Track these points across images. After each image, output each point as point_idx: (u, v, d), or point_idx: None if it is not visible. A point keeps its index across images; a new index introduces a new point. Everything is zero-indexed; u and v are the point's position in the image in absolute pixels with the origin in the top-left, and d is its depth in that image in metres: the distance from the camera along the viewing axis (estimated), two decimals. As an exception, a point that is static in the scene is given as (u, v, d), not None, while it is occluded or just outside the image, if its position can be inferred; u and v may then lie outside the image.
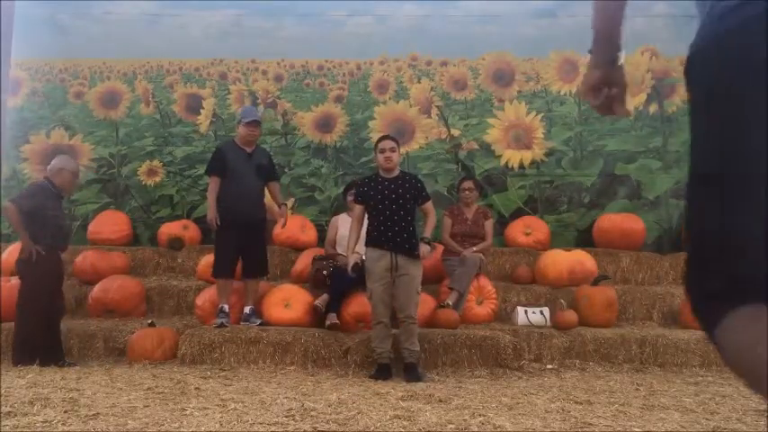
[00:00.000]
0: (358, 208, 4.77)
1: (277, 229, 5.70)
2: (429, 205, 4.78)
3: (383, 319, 4.57)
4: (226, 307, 5.16)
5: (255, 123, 5.38)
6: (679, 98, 7.30)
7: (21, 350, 4.81)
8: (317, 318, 5.19)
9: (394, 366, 4.60)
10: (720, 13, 1.10)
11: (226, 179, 5.26)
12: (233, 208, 5.19)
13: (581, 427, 3.15)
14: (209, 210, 5.26)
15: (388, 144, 4.69)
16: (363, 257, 4.93)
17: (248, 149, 5.37)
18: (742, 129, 1.04)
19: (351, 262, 4.66)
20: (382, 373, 4.49)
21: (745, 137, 1.03)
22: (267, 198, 5.52)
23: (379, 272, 4.53)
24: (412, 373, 4.46)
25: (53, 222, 4.99)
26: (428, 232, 4.72)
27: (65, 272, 5.30)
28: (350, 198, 5.75)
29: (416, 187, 4.71)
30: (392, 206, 4.57)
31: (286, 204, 5.71)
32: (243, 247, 5.21)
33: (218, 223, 5.19)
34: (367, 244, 4.64)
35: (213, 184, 5.29)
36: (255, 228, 5.32)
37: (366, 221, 4.74)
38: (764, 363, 0.93)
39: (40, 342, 4.82)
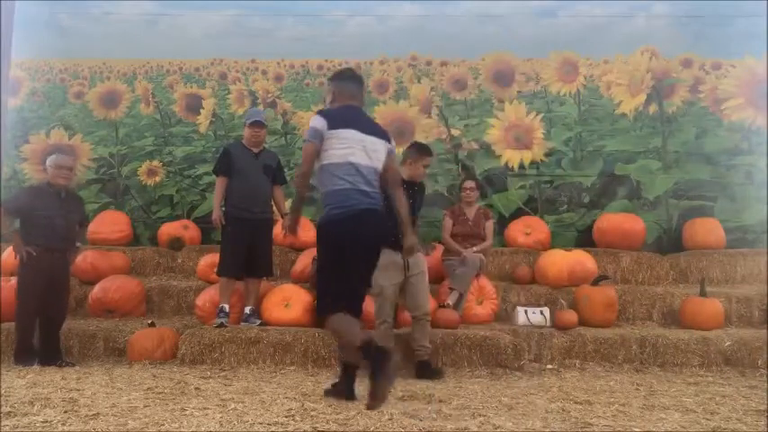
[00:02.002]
0: None
1: (277, 232, 5.71)
2: None
3: (389, 319, 4.57)
4: (226, 307, 5.17)
5: (259, 124, 5.39)
6: (679, 98, 7.31)
7: (19, 350, 4.82)
8: (317, 318, 5.19)
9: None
10: (328, 212, 3.50)
11: (233, 179, 5.28)
12: (240, 207, 5.22)
13: (581, 427, 3.16)
14: (214, 210, 5.32)
15: (429, 161, 4.80)
16: None
17: (255, 150, 5.40)
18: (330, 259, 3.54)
19: None
20: (383, 373, 4.48)
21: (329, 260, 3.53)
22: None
23: (392, 271, 4.48)
24: (429, 370, 4.47)
25: (44, 223, 4.91)
26: None
27: (68, 272, 5.19)
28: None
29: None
30: None
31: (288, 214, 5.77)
32: (249, 246, 5.22)
33: (223, 223, 5.24)
34: None
35: (219, 184, 5.33)
36: (262, 227, 5.33)
37: None
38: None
39: (37, 342, 4.82)
